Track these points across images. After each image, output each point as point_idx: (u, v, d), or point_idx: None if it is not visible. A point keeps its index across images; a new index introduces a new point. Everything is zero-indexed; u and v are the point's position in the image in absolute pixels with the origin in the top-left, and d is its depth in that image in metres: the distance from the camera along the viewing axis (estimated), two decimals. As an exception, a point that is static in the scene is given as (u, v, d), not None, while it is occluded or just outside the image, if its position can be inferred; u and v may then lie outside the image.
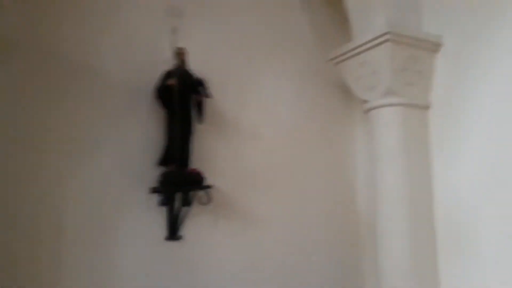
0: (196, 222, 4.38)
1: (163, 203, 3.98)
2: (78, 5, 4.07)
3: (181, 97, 4.06)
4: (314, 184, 5.18)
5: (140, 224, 4.14)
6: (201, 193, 4.17)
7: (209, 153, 4.52)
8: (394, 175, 3.92)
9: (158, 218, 4.18)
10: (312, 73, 5.34)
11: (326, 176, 5.29)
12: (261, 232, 4.72)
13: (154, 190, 4.01)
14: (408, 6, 4.20)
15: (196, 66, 4.42)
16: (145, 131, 4.24)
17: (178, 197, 4.09)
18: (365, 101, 4.36)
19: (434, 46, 4.03)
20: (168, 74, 4.05)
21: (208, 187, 4.13)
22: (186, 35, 4.41)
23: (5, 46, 3.77)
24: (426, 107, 4.07)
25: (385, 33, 3.88)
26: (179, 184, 3.94)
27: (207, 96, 4.18)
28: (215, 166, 4.53)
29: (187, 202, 4.06)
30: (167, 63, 4.19)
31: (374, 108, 4.19)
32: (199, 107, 4.22)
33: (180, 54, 4.16)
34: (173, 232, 4.15)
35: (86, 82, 4.04)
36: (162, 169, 4.07)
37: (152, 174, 4.13)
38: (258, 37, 5.02)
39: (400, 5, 4.13)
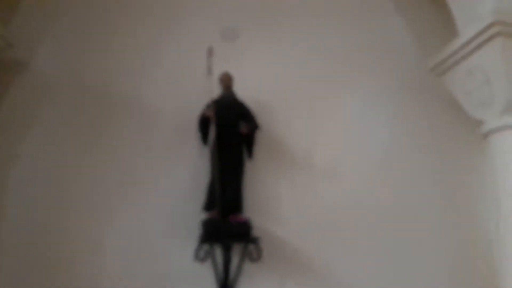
0: (256, 282, 3.55)
1: (200, 257, 3.29)
2: (120, 41, 3.89)
3: (223, 130, 3.45)
4: (423, 234, 3.84)
5: (189, 279, 3.49)
6: (251, 246, 3.36)
7: (269, 195, 3.74)
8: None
9: (208, 274, 3.49)
10: (412, 88, 4.14)
11: (443, 222, 3.88)
12: (343, 299, 3.60)
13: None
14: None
15: (253, 93, 3.81)
16: (194, 170, 3.71)
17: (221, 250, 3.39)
18: (481, 122, 3.33)
19: None
20: (210, 104, 3.47)
21: (255, 240, 3.30)
22: (239, 59, 3.88)
23: (48, 83, 3.74)
24: None
25: (492, 24, 2.91)
26: (218, 236, 3.22)
27: (251, 128, 3.44)
28: (277, 212, 3.73)
29: (229, 257, 3.29)
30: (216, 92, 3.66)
31: (493, 131, 3.19)
32: (247, 140, 3.51)
33: (224, 80, 3.57)
34: (224, 293, 3.41)
35: (129, 118, 3.77)
36: (205, 216, 3.43)
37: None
38: (333, 50, 4.14)
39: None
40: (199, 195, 3.56)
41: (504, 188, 2.95)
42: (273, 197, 3.74)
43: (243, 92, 3.71)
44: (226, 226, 3.26)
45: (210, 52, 3.41)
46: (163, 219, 3.59)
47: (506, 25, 2.84)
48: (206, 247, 3.37)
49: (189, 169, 3.70)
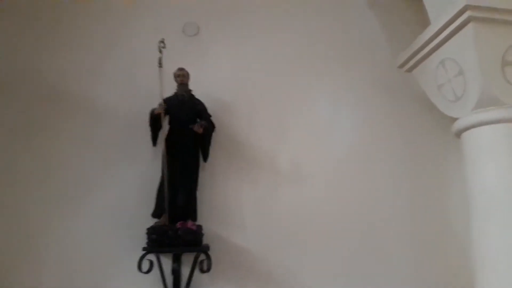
0: (209, 295, 3.29)
1: (145, 268, 3.01)
2: (74, 39, 3.63)
3: (176, 129, 3.21)
4: (390, 241, 3.61)
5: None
6: (202, 256, 3.10)
7: (227, 201, 3.47)
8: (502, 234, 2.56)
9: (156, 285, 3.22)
10: (384, 86, 3.89)
11: (413, 225, 3.66)
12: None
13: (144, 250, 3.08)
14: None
15: (213, 91, 3.58)
16: (146, 173, 3.42)
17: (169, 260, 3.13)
18: (455, 119, 3.06)
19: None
20: (161, 102, 3.20)
21: (205, 248, 3.04)
22: (198, 54, 3.65)
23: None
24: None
25: (464, 9, 2.64)
26: (164, 245, 2.95)
27: (206, 127, 3.18)
28: (237, 218, 3.48)
29: (179, 268, 3.03)
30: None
31: (467, 128, 2.89)
32: (202, 141, 3.25)
33: (179, 76, 3.30)
34: (174, 309, 3.14)
35: (79, 117, 3.50)
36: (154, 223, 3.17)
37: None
38: (300, 47, 3.88)
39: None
40: (151, 200, 3.28)
41: (477, 187, 2.71)
42: (233, 203, 3.47)
43: (202, 89, 3.45)
44: (174, 233, 2.97)
45: (161, 44, 3.13)
46: (110, 226, 3.30)
47: (479, 10, 2.59)
48: (152, 257, 3.08)
49: (141, 171, 3.42)
